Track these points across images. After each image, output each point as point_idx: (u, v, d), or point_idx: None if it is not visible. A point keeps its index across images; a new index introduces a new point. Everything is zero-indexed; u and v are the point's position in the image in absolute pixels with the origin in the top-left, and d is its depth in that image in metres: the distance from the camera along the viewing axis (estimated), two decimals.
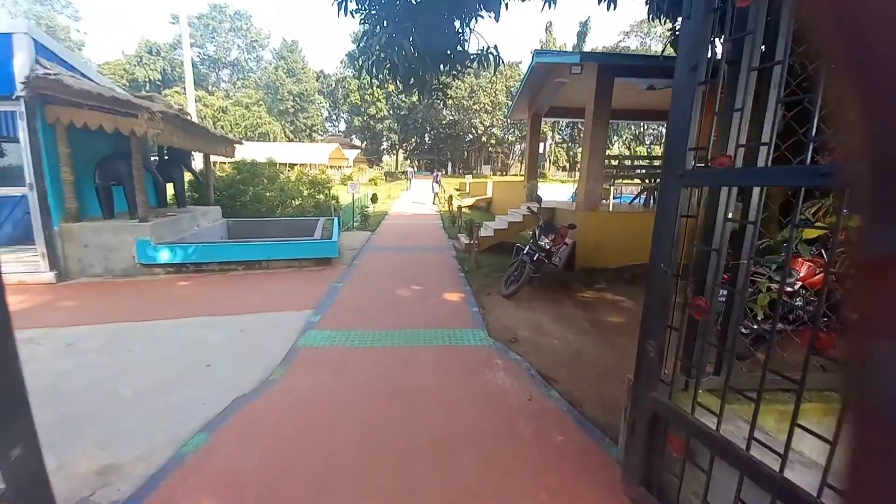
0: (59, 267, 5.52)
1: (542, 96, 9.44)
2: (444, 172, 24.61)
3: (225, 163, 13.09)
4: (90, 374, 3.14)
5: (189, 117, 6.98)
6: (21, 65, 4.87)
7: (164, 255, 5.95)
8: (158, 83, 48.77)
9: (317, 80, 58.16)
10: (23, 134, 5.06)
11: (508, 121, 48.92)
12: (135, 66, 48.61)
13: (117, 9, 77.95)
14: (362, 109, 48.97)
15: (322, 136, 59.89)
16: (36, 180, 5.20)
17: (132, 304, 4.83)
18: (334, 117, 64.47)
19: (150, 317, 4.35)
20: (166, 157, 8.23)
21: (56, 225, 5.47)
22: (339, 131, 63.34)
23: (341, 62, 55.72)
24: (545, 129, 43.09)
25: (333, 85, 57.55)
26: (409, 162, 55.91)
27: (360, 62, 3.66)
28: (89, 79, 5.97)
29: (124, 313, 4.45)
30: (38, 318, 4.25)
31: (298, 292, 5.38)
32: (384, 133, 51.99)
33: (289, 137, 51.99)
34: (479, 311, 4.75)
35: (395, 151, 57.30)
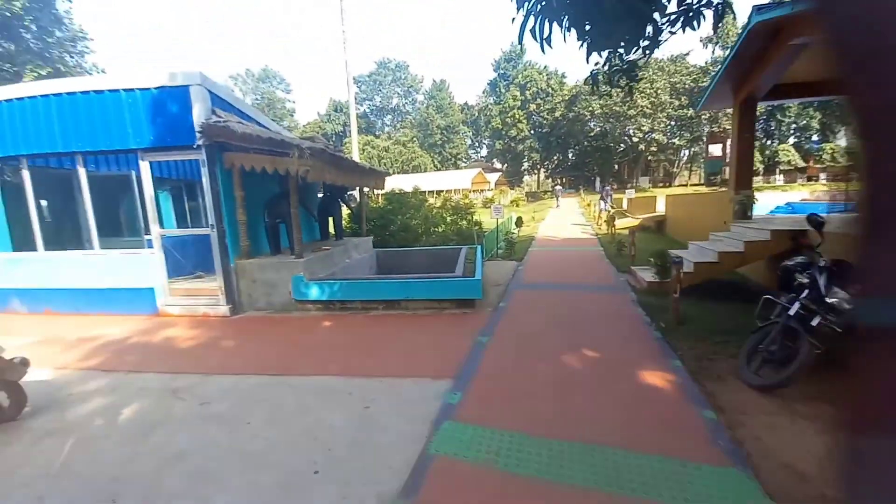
0: (233, 301, 5.94)
1: (763, 72, 6.58)
2: (614, 186, 20.74)
3: (379, 195, 13.99)
4: (191, 463, 2.61)
5: (343, 153, 7.12)
6: (198, 116, 5.43)
7: (314, 292, 5.87)
8: (341, 134, 59.91)
9: (461, 112, 62.17)
10: (205, 180, 5.63)
11: (673, 123, 41.72)
12: (325, 122, 61.01)
13: (317, 80, 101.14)
14: (503, 133, 49.36)
15: (465, 162, 63.17)
16: (216, 221, 5.72)
17: (278, 347, 4.62)
18: (476, 144, 67.50)
19: (286, 369, 3.93)
20: (328, 194, 8.76)
21: (232, 262, 5.93)
22: (481, 157, 65.77)
23: (483, 91, 58.06)
24: (726, 124, 34.71)
25: (476, 114, 60.30)
26: (550, 180, 53.46)
27: (526, 13, 2.38)
28: (260, 124, 6.54)
29: (267, 361, 4.18)
30: (199, 360, 4.29)
31: (436, 347, 4.37)
32: (525, 153, 51.13)
33: (437, 167, 56.34)
34: (718, 420, 2.77)
35: (535, 171, 55.77)
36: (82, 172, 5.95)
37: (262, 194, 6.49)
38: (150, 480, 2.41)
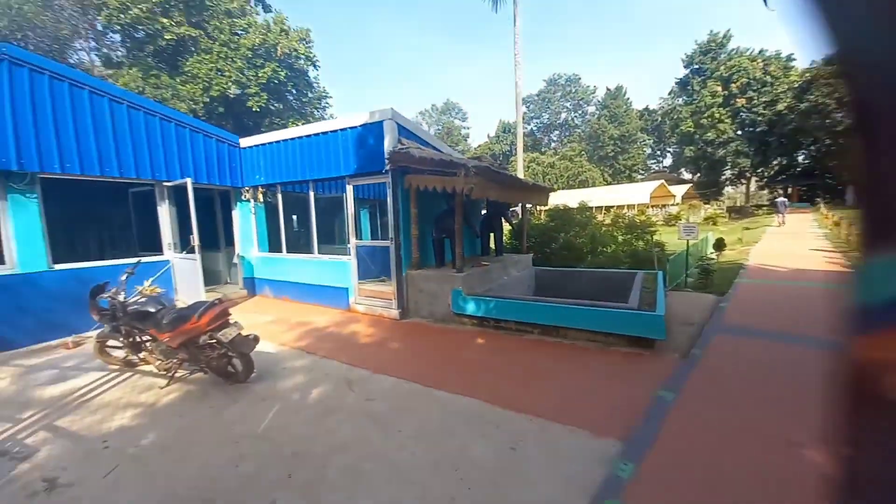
0: (403, 306, 6.57)
1: None
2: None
3: (541, 211, 13.56)
4: (349, 458, 2.78)
5: (508, 171, 7.09)
6: (388, 145, 6.22)
7: (471, 307, 5.92)
8: (508, 153, 62.24)
9: (640, 119, 55.74)
10: (389, 199, 6.43)
11: None
12: (494, 143, 64.52)
13: (489, 105, 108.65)
14: (696, 137, 41.43)
15: (642, 174, 56.00)
16: (395, 235, 6.45)
17: (434, 357, 4.78)
18: (658, 153, 59.21)
19: (438, 382, 3.97)
20: (491, 210, 8.92)
21: (404, 271, 6.57)
22: (664, 167, 57.19)
23: (669, 93, 50.37)
24: None
25: (659, 119, 52.94)
26: (767, 191, 41.72)
27: None
28: (436, 149, 7.12)
29: (423, 369, 4.34)
30: (371, 356, 4.81)
31: (601, 393, 3.66)
32: (727, 159, 41.52)
33: (607, 181, 51.87)
34: None
35: (742, 180, 44.51)
36: (311, 195, 7.72)
37: (432, 211, 7.04)
38: (317, 466, 2.68)
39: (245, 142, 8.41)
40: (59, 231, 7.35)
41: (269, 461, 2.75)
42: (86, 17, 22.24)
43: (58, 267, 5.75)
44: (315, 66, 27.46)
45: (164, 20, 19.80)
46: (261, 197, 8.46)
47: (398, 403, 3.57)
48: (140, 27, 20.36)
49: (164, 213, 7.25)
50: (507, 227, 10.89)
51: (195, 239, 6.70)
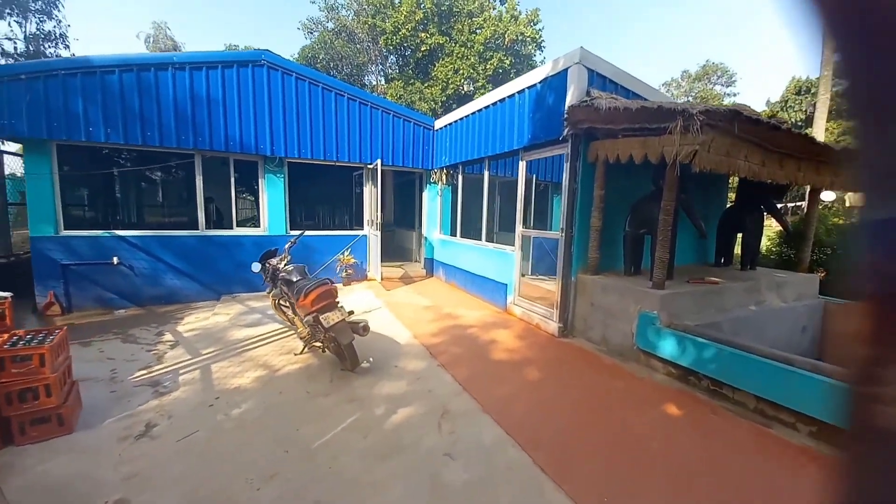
0: (565, 321, 4.97)
1: None
2: None
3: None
4: None
5: (785, 125, 4.03)
6: (570, 100, 4.53)
7: (668, 347, 3.75)
8: (800, 124, 43.82)
9: None
10: (565, 176, 4.81)
11: None
12: (777, 111, 46.72)
13: (774, 61, 78.74)
14: None
15: None
16: (566, 225, 4.84)
17: (583, 413, 3.14)
18: None
19: (566, 468, 2.45)
20: (743, 195, 5.76)
21: (574, 275, 4.92)
22: None
23: None
24: None
25: None
26: None
27: None
28: (641, 97, 4.86)
29: (554, 434, 2.86)
30: (492, 383, 3.63)
31: None
32: None
33: None
34: None
35: None
36: (486, 175, 6.98)
37: (631, 195, 4.97)
38: None
39: (438, 123, 8.48)
40: (296, 204, 9.44)
41: (287, 498, 2.13)
42: (376, 45, 29.10)
43: (292, 232, 7.25)
44: (541, 48, 26.62)
45: (423, 34, 23.35)
46: (444, 178, 8.39)
47: (483, 481, 2.32)
48: (406, 45, 24.87)
49: (367, 193, 8.16)
50: (772, 225, 7.04)
51: (379, 216, 7.17)
